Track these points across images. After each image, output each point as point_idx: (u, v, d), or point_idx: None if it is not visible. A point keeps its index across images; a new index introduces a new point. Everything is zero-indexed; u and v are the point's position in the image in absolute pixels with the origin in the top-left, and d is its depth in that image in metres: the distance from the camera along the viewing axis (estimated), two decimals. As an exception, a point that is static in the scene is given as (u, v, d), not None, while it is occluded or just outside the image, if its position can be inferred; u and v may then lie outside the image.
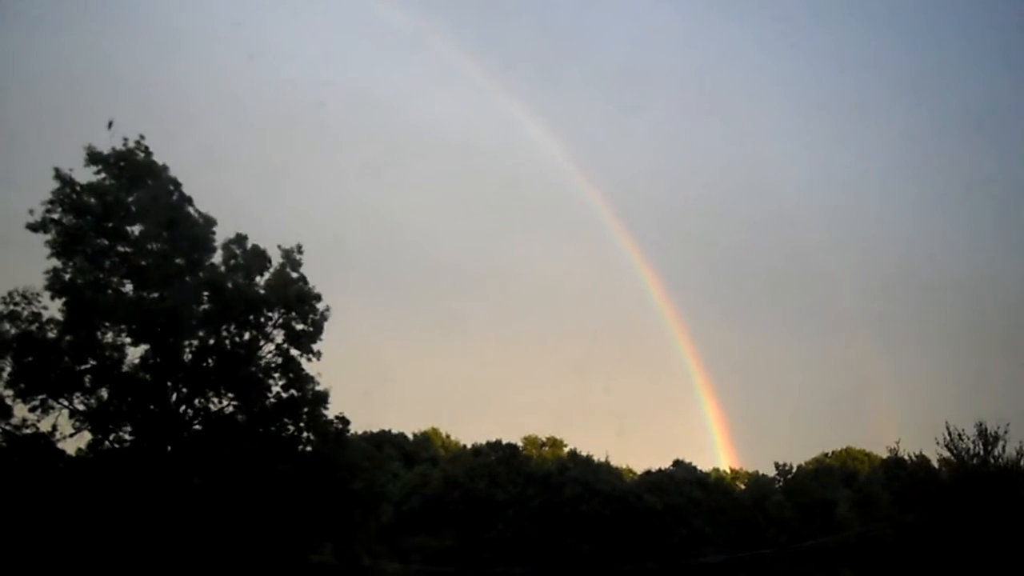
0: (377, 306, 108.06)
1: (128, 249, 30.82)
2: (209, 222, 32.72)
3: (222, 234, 32.93)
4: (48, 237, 29.33)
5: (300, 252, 33.29)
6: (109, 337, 30.33)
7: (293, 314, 32.72)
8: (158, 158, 31.45)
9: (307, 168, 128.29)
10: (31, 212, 29.24)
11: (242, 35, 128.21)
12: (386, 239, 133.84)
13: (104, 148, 30.26)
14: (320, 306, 33.35)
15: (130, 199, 30.57)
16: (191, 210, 32.40)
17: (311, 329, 33.21)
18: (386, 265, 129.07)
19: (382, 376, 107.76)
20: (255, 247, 32.79)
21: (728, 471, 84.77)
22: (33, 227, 29.20)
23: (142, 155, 30.90)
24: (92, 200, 29.86)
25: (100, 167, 30.25)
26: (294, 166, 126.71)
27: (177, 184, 32.12)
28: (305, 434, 33.99)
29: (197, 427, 32.19)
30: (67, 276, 29.39)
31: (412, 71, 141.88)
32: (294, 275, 32.96)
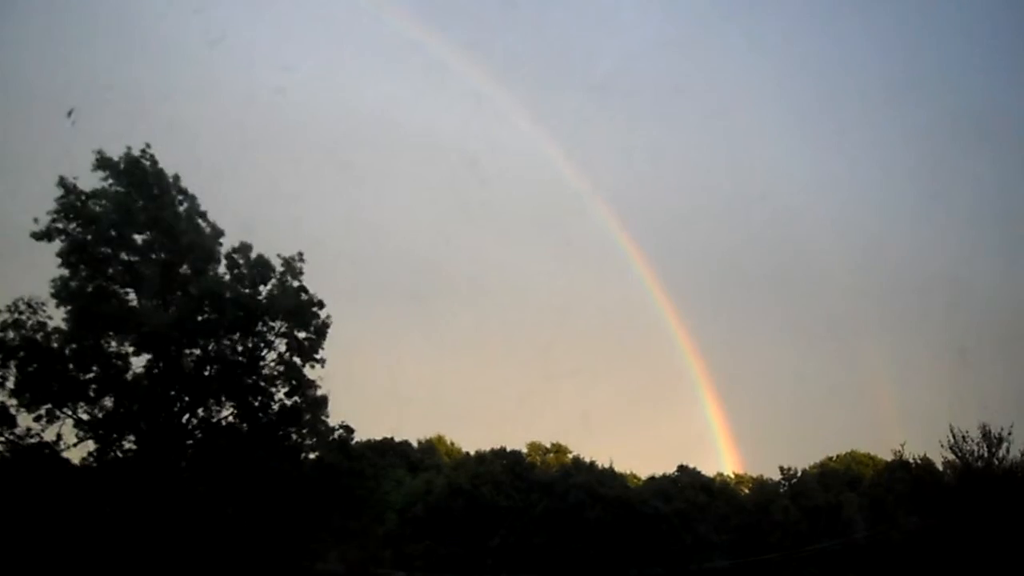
0: (365, 309, 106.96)
1: (133, 258, 30.79)
2: (217, 232, 32.79)
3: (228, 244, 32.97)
4: (53, 246, 29.35)
5: (301, 260, 33.25)
6: (113, 346, 30.38)
7: (294, 323, 32.75)
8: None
9: (269, 158, 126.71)
10: (36, 221, 29.26)
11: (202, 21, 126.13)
12: (355, 234, 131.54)
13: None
14: (322, 313, 33.48)
15: (136, 207, 30.48)
16: (200, 221, 32.44)
17: (313, 336, 33.29)
18: (368, 264, 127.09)
19: (384, 383, 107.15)
20: (259, 257, 32.73)
21: (732, 476, 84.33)
22: (38, 236, 29.16)
23: (148, 163, 30.90)
24: (97, 208, 29.85)
25: (108, 173, 30.23)
26: (255, 155, 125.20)
27: (190, 196, 32.18)
28: (308, 441, 34.08)
29: (200, 436, 32.16)
30: (73, 285, 29.39)
31: (376, 57, 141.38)
32: (295, 284, 32.92)
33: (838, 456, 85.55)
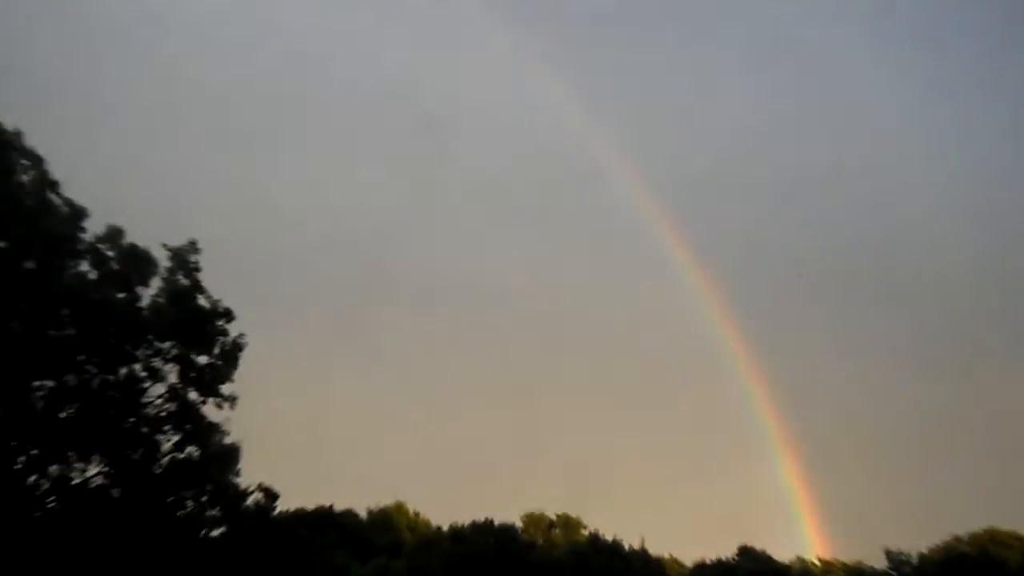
0: (286, 326, 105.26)
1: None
2: (77, 212, 31.97)
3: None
4: None
5: (196, 251, 33.23)
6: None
7: (190, 342, 32.91)
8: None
9: (141, 114, 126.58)
10: None
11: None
12: (267, 223, 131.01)
13: None
14: (231, 329, 33.80)
15: None
16: (53, 196, 31.61)
17: (218, 362, 33.47)
18: (286, 263, 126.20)
19: (318, 428, 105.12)
20: (135, 247, 32.34)
21: (817, 562, 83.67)
22: None
23: None
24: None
25: None
26: (124, 110, 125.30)
27: (38, 160, 31.32)
28: (211, 511, 33.94)
29: (55, 503, 31.55)
30: None
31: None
32: (186, 283, 32.83)
33: (971, 535, 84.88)
